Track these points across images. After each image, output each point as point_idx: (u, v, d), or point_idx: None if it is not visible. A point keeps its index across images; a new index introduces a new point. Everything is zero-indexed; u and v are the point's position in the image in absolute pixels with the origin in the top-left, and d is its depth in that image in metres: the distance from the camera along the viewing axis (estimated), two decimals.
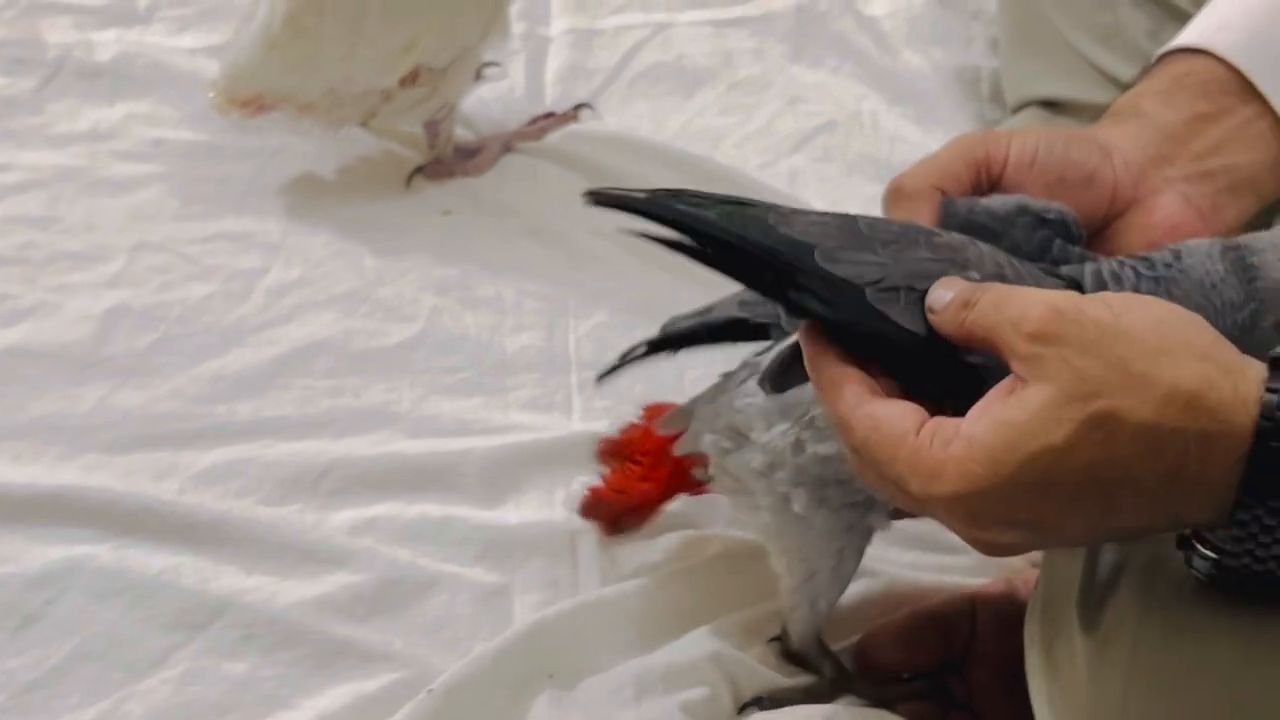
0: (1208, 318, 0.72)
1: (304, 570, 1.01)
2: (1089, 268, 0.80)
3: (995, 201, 0.84)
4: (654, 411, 1.00)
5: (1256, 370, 0.66)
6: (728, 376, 0.93)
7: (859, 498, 0.88)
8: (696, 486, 0.99)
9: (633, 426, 1.01)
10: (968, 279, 0.74)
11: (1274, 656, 0.73)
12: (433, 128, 1.33)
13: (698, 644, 0.95)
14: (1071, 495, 0.67)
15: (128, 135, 1.35)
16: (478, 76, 1.38)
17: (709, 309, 0.92)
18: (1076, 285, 0.78)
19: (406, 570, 1.02)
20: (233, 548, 1.02)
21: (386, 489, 1.07)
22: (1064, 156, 0.87)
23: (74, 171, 1.31)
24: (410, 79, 1.27)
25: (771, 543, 0.94)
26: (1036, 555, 1.07)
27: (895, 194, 0.86)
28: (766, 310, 0.88)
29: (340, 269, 1.25)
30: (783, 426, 0.88)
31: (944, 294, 0.73)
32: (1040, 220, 0.83)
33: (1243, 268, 0.78)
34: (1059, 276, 0.79)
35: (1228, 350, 0.67)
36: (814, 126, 1.45)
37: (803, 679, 0.96)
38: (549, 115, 1.42)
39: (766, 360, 0.89)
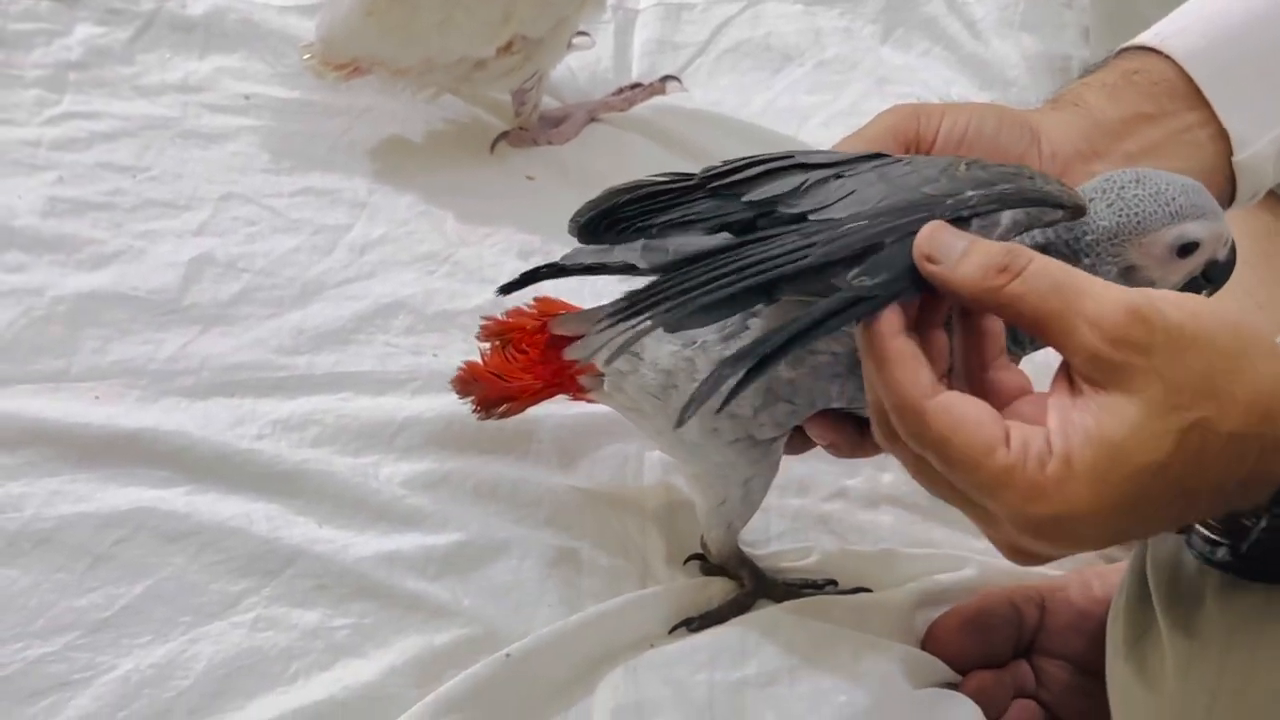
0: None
1: (377, 525, 1.02)
2: None
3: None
4: (546, 305, 1.00)
5: None
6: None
7: (750, 431, 0.90)
8: (579, 392, 0.99)
9: (522, 313, 1.00)
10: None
11: None
12: (520, 95, 1.33)
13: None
14: (1161, 508, 0.68)
15: (217, 88, 1.36)
16: (568, 46, 1.38)
17: (610, 250, 0.88)
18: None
19: (478, 531, 1.02)
20: (306, 499, 1.03)
21: (462, 449, 1.07)
22: (993, 139, 0.87)
23: (164, 122, 1.31)
24: (505, 48, 1.27)
25: (679, 465, 0.98)
26: (1111, 550, 1.07)
27: None
28: (659, 261, 0.84)
29: (424, 229, 1.25)
30: (673, 348, 0.90)
31: (951, 241, 0.70)
32: None
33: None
34: None
35: None
36: None
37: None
38: (635, 86, 1.43)
39: None
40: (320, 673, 0.95)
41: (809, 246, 0.72)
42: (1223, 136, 0.89)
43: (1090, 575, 1.03)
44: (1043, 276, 0.68)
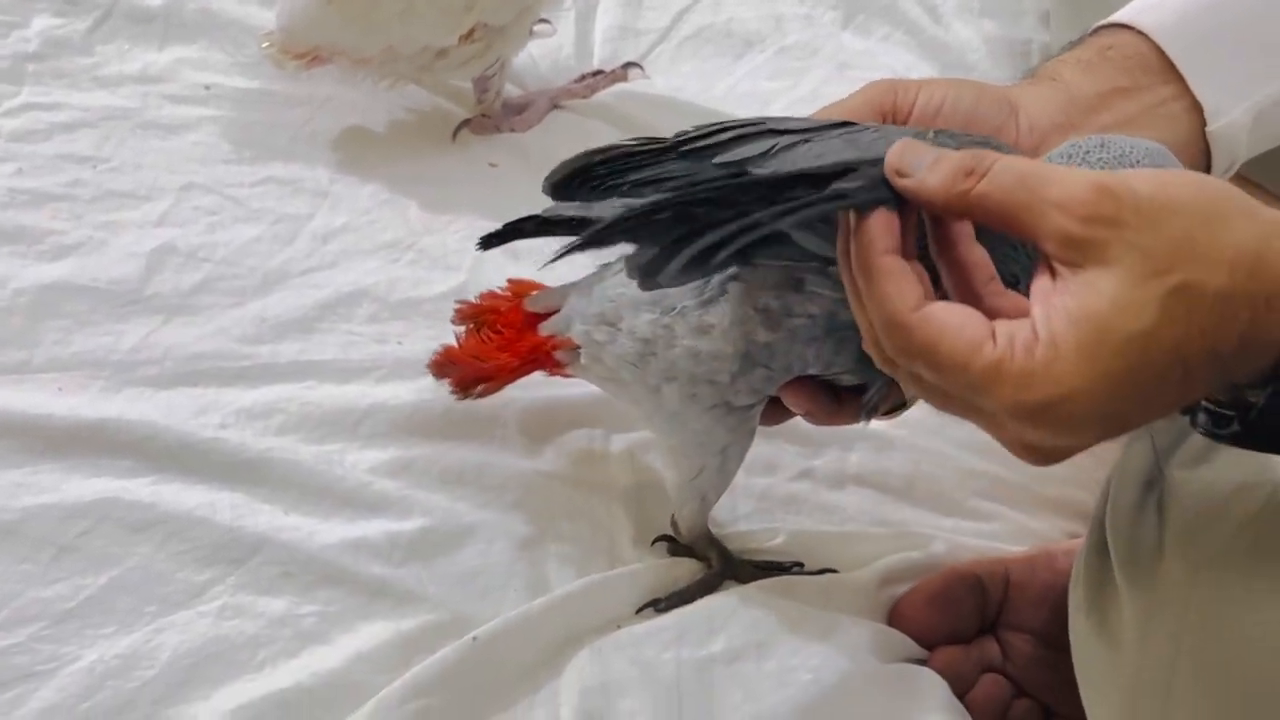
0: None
1: (342, 512, 1.02)
2: None
3: None
4: (519, 286, 1.02)
5: None
6: (605, 267, 0.96)
7: (727, 398, 0.91)
8: (556, 367, 1.00)
9: (495, 296, 1.03)
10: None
11: None
12: (482, 83, 1.33)
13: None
14: (1158, 379, 0.66)
15: (177, 79, 1.35)
16: (530, 33, 1.38)
17: (590, 206, 0.90)
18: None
19: (444, 516, 1.02)
20: (270, 487, 1.02)
21: (427, 435, 1.07)
22: (971, 112, 0.87)
23: (124, 112, 1.30)
24: (467, 36, 1.26)
25: (656, 436, 0.99)
26: (1073, 526, 1.07)
27: None
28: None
29: (386, 218, 1.25)
30: (650, 315, 0.91)
31: (920, 153, 0.70)
32: None
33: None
34: None
35: (1265, 207, 0.67)
36: None
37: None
38: (598, 73, 1.42)
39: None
40: (287, 660, 0.94)
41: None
42: (1197, 109, 0.89)
43: (1055, 550, 1.04)
44: (1008, 172, 0.68)
